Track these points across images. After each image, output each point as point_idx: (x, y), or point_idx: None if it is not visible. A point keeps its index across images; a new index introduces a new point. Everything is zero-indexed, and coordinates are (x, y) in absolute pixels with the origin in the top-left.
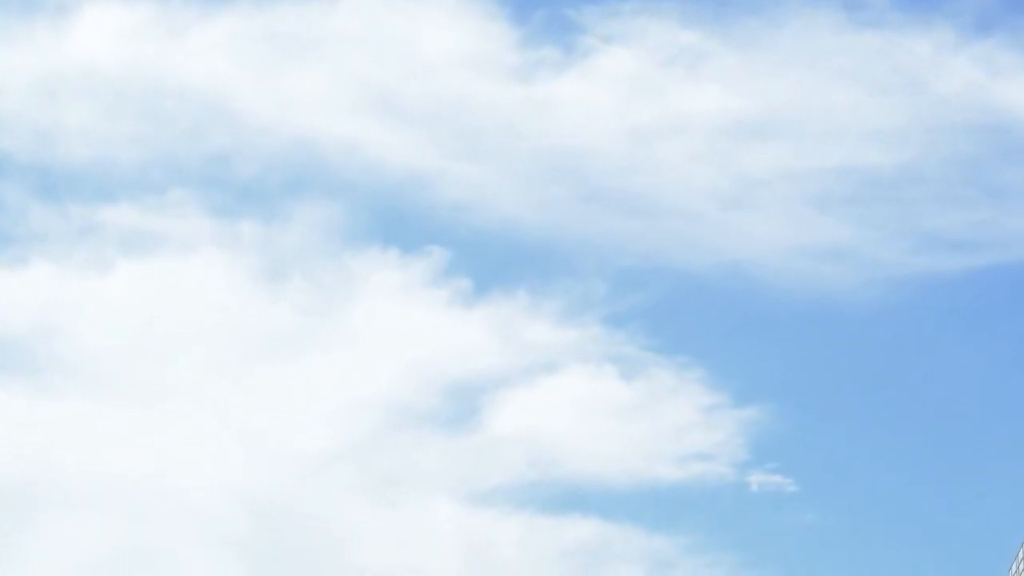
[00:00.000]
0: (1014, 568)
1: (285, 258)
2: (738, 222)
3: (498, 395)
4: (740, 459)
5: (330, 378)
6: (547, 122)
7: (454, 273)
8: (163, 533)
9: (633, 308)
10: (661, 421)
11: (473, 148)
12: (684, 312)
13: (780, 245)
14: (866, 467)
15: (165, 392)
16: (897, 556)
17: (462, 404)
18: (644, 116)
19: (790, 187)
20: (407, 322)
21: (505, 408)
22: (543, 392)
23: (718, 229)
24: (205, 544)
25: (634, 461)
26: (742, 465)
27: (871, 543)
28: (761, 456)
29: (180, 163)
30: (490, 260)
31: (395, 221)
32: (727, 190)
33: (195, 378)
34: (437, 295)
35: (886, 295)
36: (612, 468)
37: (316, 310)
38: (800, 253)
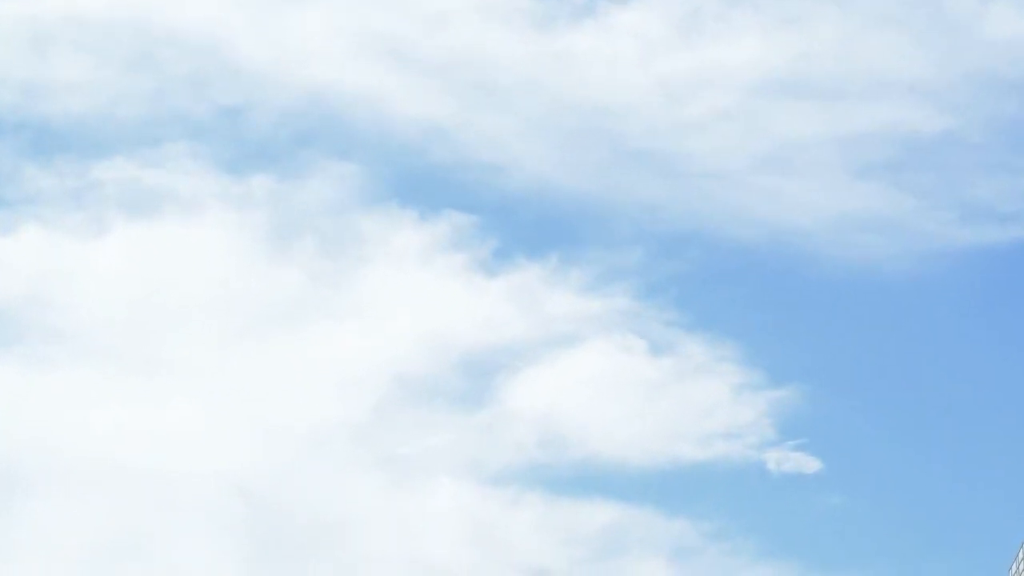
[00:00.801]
0: (1014, 568)
1: (295, 219)
2: (774, 187)
3: (515, 370)
4: (768, 441)
5: (338, 349)
6: (570, 76)
7: (475, 238)
8: (159, 513)
9: (665, 279)
10: (688, 400)
11: (494, 103)
12: (718, 284)
13: (818, 213)
14: (900, 452)
15: (164, 364)
16: (926, 542)
17: (476, 379)
18: (672, 70)
19: (828, 150)
20: (422, 290)
21: (522, 384)
22: (564, 367)
23: (754, 194)
24: (201, 524)
25: (657, 441)
26: (769, 447)
27: (898, 529)
28: (790, 438)
29: (181, 117)
30: (513, 224)
31: (413, 181)
32: (763, 152)
33: (196, 349)
34: (456, 261)
35: (929, 268)
36: (633, 448)
37: (326, 276)
38: (839, 222)
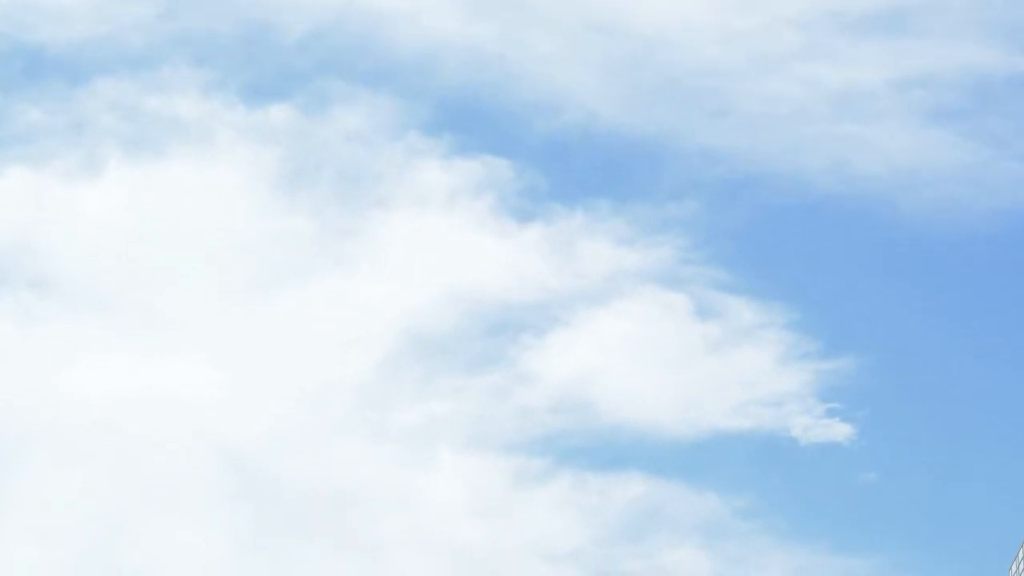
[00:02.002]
0: (1014, 568)
1: (313, 155)
2: (840, 132)
3: (543, 330)
4: (810, 415)
5: (349, 303)
6: (626, 6)
7: (508, 180)
8: (150, 482)
9: (716, 232)
10: (730, 367)
11: (541, 28)
12: (774, 241)
13: (886, 160)
14: (949, 435)
15: (161, 319)
16: (961, 526)
17: (498, 339)
18: (733, 4)
19: (897, 94)
20: (445, 237)
21: (549, 345)
22: (597, 327)
23: (817, 139)
24: (195, 494)
25: (692, 411)
26: (810, 422)
27: (930, 510)
28: (834, 414)
29: (190, 39)
30: (552, 166)
31: (446, 114)
32: (828, 94)
33: (196, 303)
34: (485, 206)
35: (1007, 223)
36: (666, 418)
37: (342, 220)
38: (908, 171)
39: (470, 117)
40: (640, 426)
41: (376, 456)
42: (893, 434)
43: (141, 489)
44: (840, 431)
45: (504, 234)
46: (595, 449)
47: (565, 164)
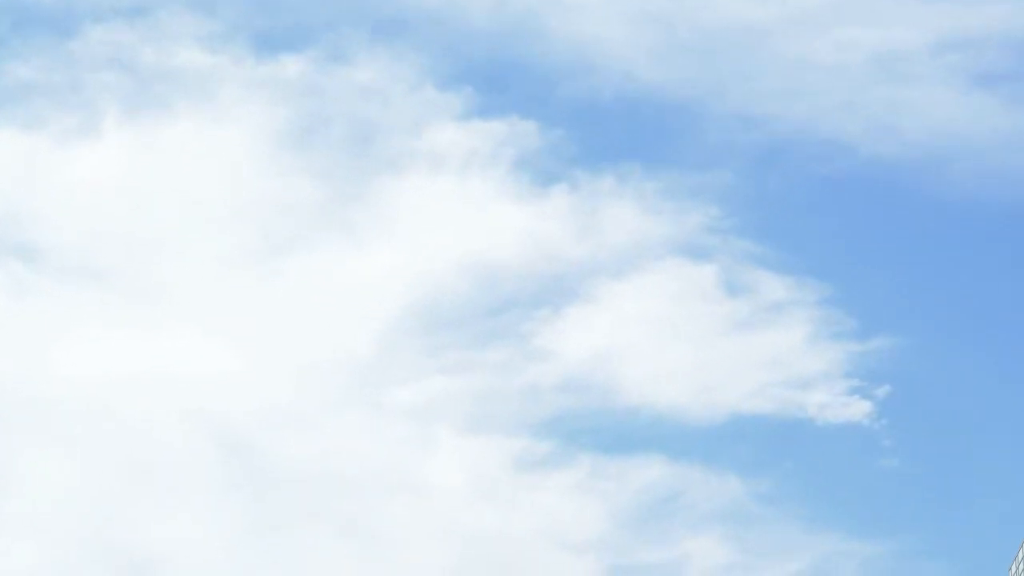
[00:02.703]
0: (1013, 568)
1: (325, 112)
2: (884, 96)
3: (560, 303)
4: (837, 398)
5: (357, 273)
6: None
7: (531, 143)
8: (144, 464)
9: (750, 201)
10: (757, 346)
11: None
12: (811, 211)
13: (931, 127)
14: (982, 420)
15: (158, 288)
16: (988, 513)
17: (513, 312)
18: None
19: (942, 55)
20: (462, 203)
21: (569, 319)
22: (617, 301)
23: (859, 103)
24: (190, 469)
25: (716, 392)
26: (837, 405)
27: (955, 498)
28: (862, 397)
29: None
30: (579, 127)
31: (470, 70)
32: (871, 56)
33: (195, 272)
34: (505, 170)
35: None
36: (687, 399)
37: (352, 183)
38: (954, 137)
39: (493, 74)
40: (660, 408)
41: (379, 436)
42: (920, 420)
43: (136, 471)
44: (866, 415)
45: (523, 201)
46: (611, 432)
47: (593, 126)
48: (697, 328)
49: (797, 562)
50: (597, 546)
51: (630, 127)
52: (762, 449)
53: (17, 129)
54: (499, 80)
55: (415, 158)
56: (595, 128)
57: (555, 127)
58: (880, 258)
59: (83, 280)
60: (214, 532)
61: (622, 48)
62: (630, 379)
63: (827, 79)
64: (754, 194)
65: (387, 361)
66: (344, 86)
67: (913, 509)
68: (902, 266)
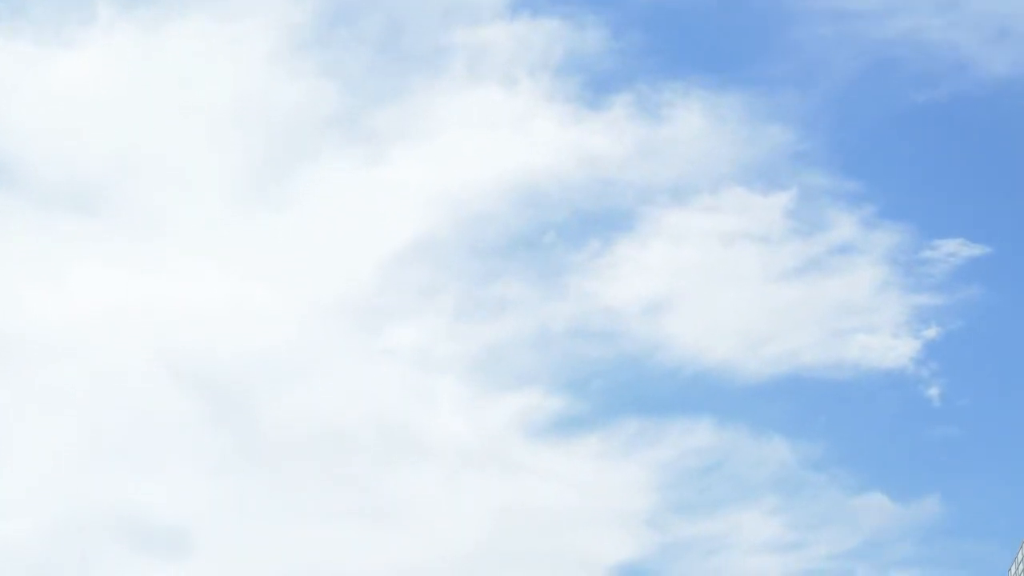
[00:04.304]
0: (1013, 569)
1: (354, 6)
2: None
3: (608, 233)
4: (901, 355)
5: (376, 193)
6: None
7: (589, 46)
8: (129, 408)
9: (837, 126)
10: (821, 292)
11: None
12: (900, 143)
13: None
14: None
15: (152, 218)
16: None
17: (551, 244)
18: None
19: None
20: (502, 112)
21: (613, 253)
22: (672, 234)
23: (970, 25)
24: (175, 417)
25: (770, 344)
26: (899, 362)
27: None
28: (928, 355)
29: None
30: (646, 31)
31: None
32: None
33: (193, 197)
34: (556, 76)
35: None
36: (740, 353)
37: (378, 87)
38: None
39: None
40: (709, 363)
41: (385, 388)
42: (990, 378)
43: (121, 423)
44: (929, 377)
45: (574, 112)
46: (654, 390)
47: (662, 30)
48: (757, 270)
49: (849, 536)
50: (638, 520)
51: (706, 34)
52: (814, 409)
53: None
54: None
55: (451, 59)
56: (665, 32)
57: (617, 28)
58: (972, 199)
59: (66, 207)
60: (199, 484)
61: None
62: (679, 330)
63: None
64: (838, 120)
65: (399, 298)
66: None
67: (967, 471)
68: (994, 208)
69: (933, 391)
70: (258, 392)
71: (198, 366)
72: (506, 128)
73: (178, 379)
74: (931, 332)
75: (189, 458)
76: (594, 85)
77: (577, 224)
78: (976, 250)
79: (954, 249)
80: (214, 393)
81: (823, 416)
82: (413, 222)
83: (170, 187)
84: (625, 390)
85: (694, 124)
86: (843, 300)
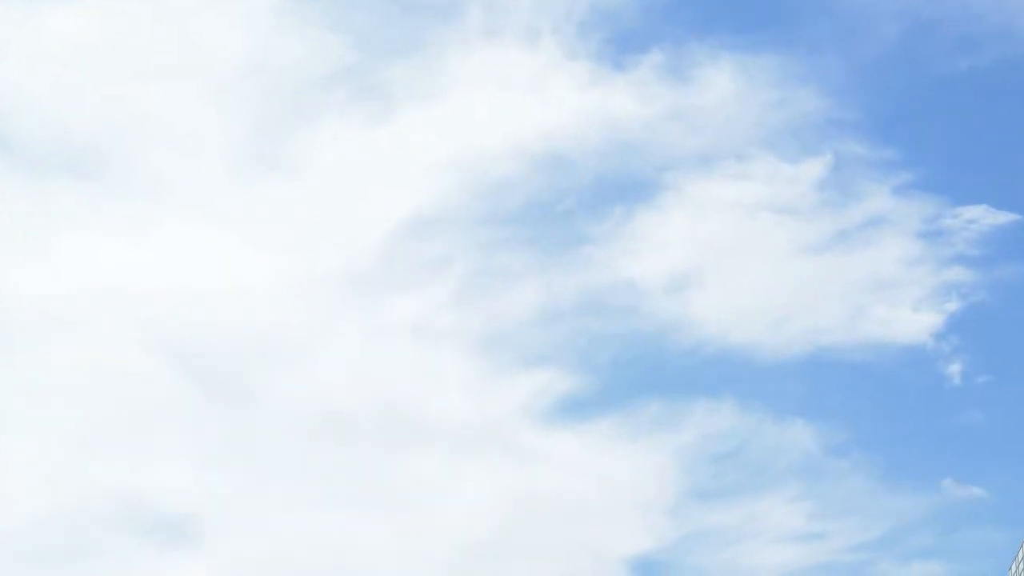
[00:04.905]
0: (1013, 568)
1: None
2: None
3: (631, 201)
4: (928, 334)
5: (381, 152)
6: None
7: (607, 7)
8: (120, 388)
9: (879, 92)
10: (850, 266)
11: None
12: (941, 112)
13: None
14: None
15: (149, 180)
16: None
17: (569, 211)
18: None
19: None
20: (522, 68)
21: (634, 223)
22: (697, 202)
23: None
24: (178, 388)
25: (796, 321)
26: (920, 341)
27: None
28: (954, 332)
29: None
30: None
31: None
32: None
33: (187, 159)
34: (580, 31)
35: None
36: (765, 330)
37: (390, 40)
38: None
39: None
40: (733, 342)
41: (392, 363)
42: (1009, 361)
43: (113, 400)
44: (954, 357)
45: (599, 70)
46: (676, 370)
47: None
48: (784, 244)
49: (870, 526)
50: (655, 509)
51: None
52: (836, 389)
53: None
54: None
55: (467, 12)
56: None
57: None
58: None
59: (58, 171)
60: (195, 465)
61: None
62: (701, 307)
63: None
64: (876, 85)
65: (406, 270)
66: None
67: (991, 457)
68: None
69: (954, 368)
70: (258, 372)
71: (195, 345)
72: (524, 88)
73: (174, 358)
74: (952, 305)
75: (189, 442)
76: (619, 43)
77: (597, 192)
78: (1001, 217)
79: (976, 215)
80: (212, 374)
81: (845, 398)
82: (423, 188)
83: (168, 149)
84: (644, 369)
85: (724, 87)
86: (869, 274)
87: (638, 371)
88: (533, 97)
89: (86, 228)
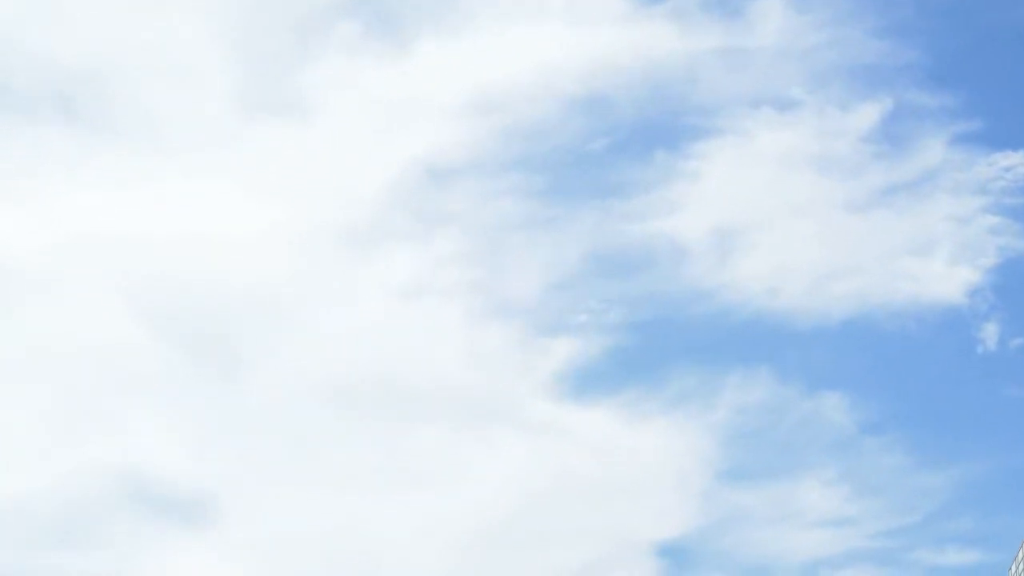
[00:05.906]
0: (1013, 568)
1: None
2: None
3: (667, 147)
4: (973, 301)
5: (395, 89)
6: None
7: None
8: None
9: (944, 36)
10: (897, 225)
11: None
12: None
13: None
14: None
15: (135, 126)
16: None
17: (599, 157)
18: None
19: None
20: (543, 10)
21: (669, 172)
22: (743, 150)
23: None
24: (167, 353)
25: (837, 284)
26: (973, 314)
27: None
28: (1001, 300)
29: None
30: None
31: None
32: None
33: (187, 99)
34: None
35: None
36: (805, 295)
37: None
38: None
39: None
40: (771, 308)
41: (395, 325)
42: None
43: (100, 366)
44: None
45: (638, 3)
46: (709, 338)
47: None
48: (833, 196)
49: (906, 511)
50: (686, 492)
51: None
52: (874, 365)
53: None
54: None
55: None
56: None
57: None
58: None
59: (42, 113)
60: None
61: None
62: (741, 265)
63: None
64: (947, 29)
65: (416, 223)
66: None
67: None
68: None
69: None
70: (257, 334)
71: (184, 306)
72: (556, 19)
73: (161, 320)
74: (988, 260)
75: (179, 414)
76: None
77: (633, 136)
78: None
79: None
80: (202, 338)
81: (882, 367)
82: (441, 131)
83: (163, 86)
84: (678, 334)
85: (775, 24)
86: (917, 233)
87: (673, 335)
88: (565, 30)
89: (70, 175)
